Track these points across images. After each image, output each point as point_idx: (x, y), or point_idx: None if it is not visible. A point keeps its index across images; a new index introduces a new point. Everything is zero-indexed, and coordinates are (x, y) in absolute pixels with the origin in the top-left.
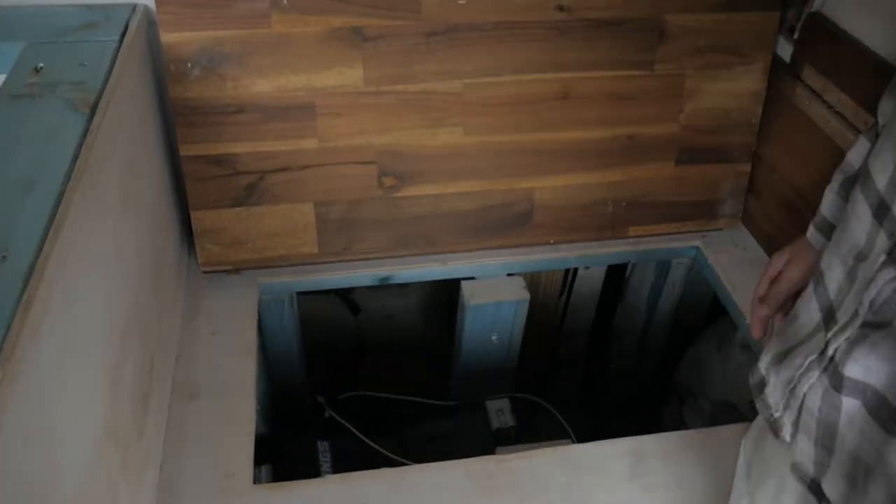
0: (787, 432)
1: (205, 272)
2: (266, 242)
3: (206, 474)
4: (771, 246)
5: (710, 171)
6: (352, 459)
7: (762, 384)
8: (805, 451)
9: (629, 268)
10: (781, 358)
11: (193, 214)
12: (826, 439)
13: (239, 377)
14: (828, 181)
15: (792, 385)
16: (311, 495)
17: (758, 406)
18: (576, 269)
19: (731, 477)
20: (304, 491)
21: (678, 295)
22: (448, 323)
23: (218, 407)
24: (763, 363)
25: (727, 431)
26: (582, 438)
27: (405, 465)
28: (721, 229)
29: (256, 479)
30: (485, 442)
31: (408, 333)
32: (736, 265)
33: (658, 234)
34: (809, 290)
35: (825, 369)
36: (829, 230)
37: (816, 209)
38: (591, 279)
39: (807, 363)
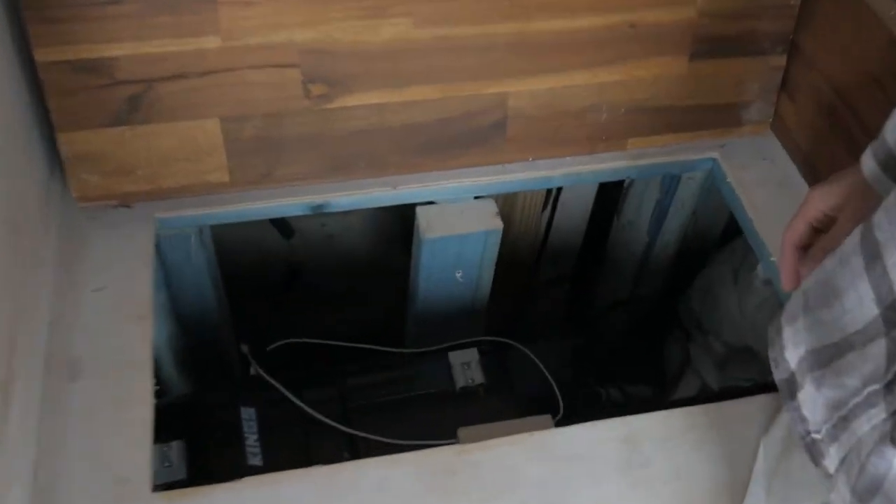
0: (830, 464)
1: (83, 209)
2: (161, 170)
3: (92, 481)
4: (807, 164)
5: (733, 66)
6: (283, 429)
7: (792, 384)
8: (842, 494)
9: (626, 182)
10: (822, 359)
11: (61, 137)
12: (865, 493)
13: (132, 347)
14: (883, 84)
15: (843, 413)
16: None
17: (787, 410)
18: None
19: (743, 468)
20: (218, 499)
21: (687, 218)
22: (406, 244)
23: (105, 389)
24: (791, 354)
25: (741, 407)
26: (566, 390)
27: (346, 433)
28: (743, 138)
29: (165, 461)
30: (447, 406)
31: (354, 259)
32: (761, 183)
33: (663, 146)
34: (858, 262)
35: (894, 412)
36: None
37: (866, 120)
38: (581, 195)
39: (865, 393)
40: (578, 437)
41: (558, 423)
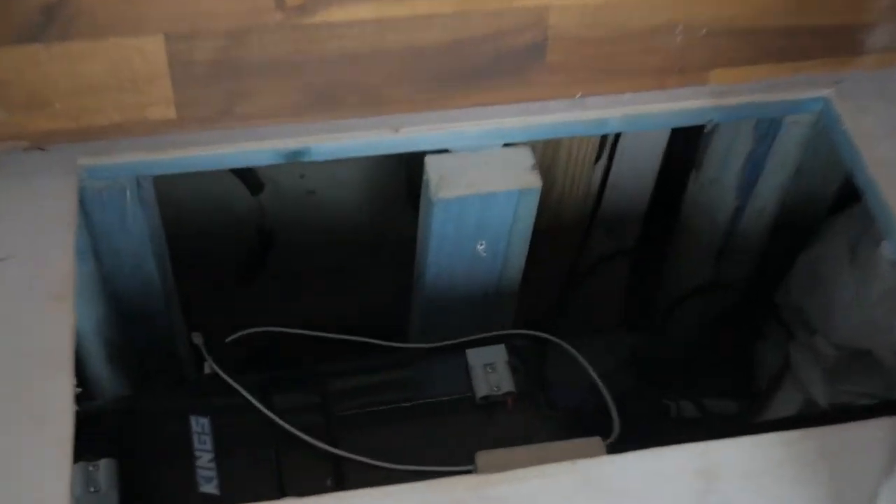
0: None
1: None
2: (86, 102)
3: None
4: None
5: None
6: (246, 447)
7: None
8: None
9: (708, 127)
10: None
11: None
12: None
13: (45, 336)
14: None
15: None
16: None
17: None
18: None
19: None
20: None
21: (788, 177)
22: (412, 205)
23: (9, 392)
24: None
25: (856, 432)
26: (623, 403)
27: (328, 453)
28: (866, 72)
29: (90, 486)
30: (462, 421)
31: (343, 224)
32: (888, 132)
33: (758, 80)
34: None
35: None
36: None
37: None
38: (646, 144)
39: None
40: (638, 469)
41: (611, 449)
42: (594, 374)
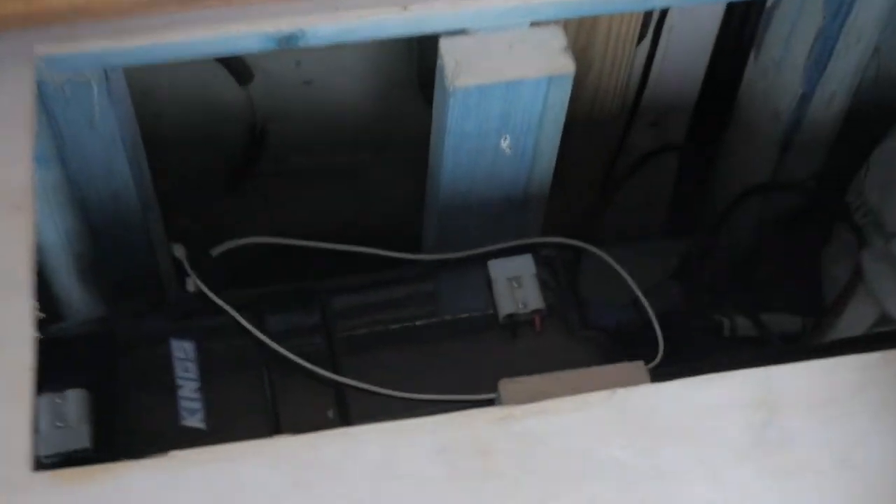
0: None
1: None
2: None
3: None
4: None
5: None
6: (236, 375)
7: None
8: None
9: (772, 1)
10: None
11: None
12: None
13: (2, 252)
14: None
15: None
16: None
17: None
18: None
19: None
20: (134, 484)
21: (865, 56)
22: (425, 95)
23: None
24: None
25: None
26: (669, 320)
27: (330, 380)
28: None
29: (57, 420)
30: (483, 343)
31: (344, 119)
32: None
33: None
34: None
35: None
36: None
37: None
38: (698, 20)
39: None
40: (686, 400)
41: (655, 375)
42: (636, 288)
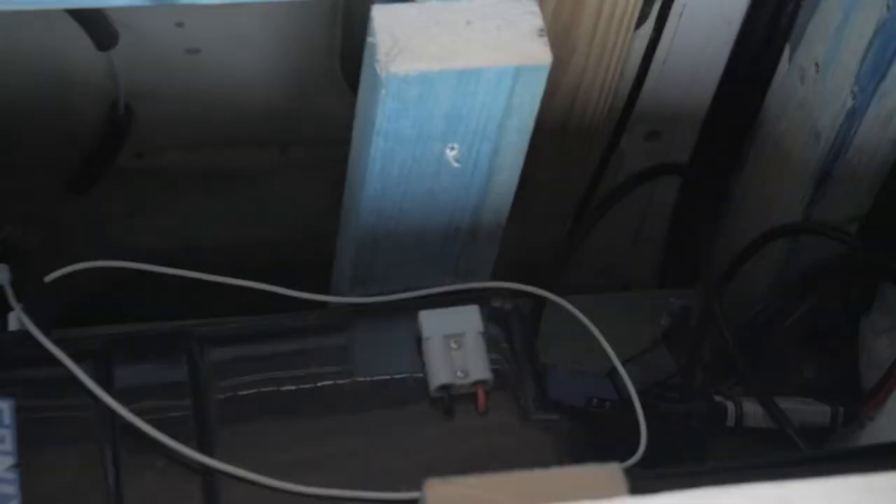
0: None
1: None
2: None
3: None
4: None
5: None
6: (67, 446)
7: None
8: None
9: None
10: None
11: None
12: None
13: None
14: None
15: None
16: None
17: None
18: None
19: None
20: None
21: None
22: (348, 78)
23: None
24: None
25: None
26: (656, 401)
27: (199, 464)
28: None
29: None
30: (407, 424)
31: (242, 103)
32: None
33: None
34: None
35: None
36: None
37: None
38: (716, 1)
39: None
40: None
41: (633, 481)
42: (613, 356)
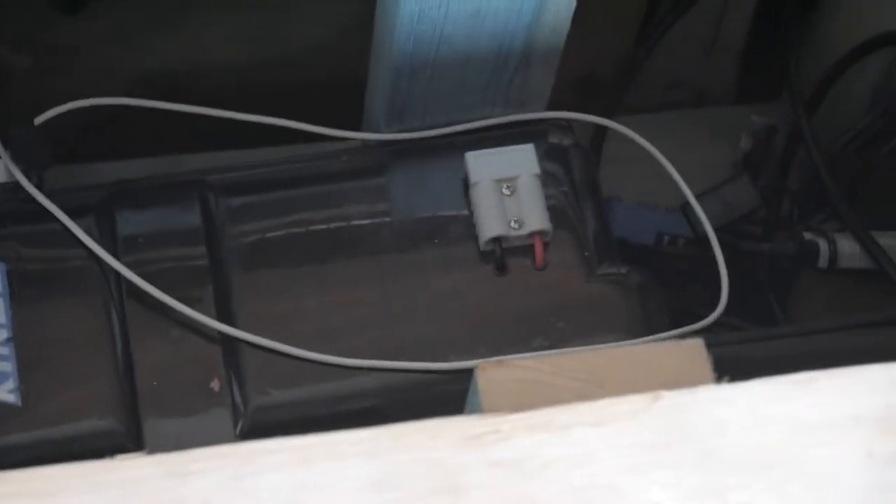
0: None
1: None
2: None
3: None
4: None
5: None
6: (68, 313)
7: None
8: None
9: None
10: None
11: None
12: None
13: None
14: None
15: None
16: None
17: None
18: None
19: None
20: None
21: None
22: None
23: None
24: None
25: None
26: (740, 250)
27: (214, 331)
28: None
29: None
30: (452, 283)
31: None
32: None
33: None
34: None
35: None
36: None
37: None
38: None
39: None
40: (770, 412)
41: (713, 343)
42: (685, 187)
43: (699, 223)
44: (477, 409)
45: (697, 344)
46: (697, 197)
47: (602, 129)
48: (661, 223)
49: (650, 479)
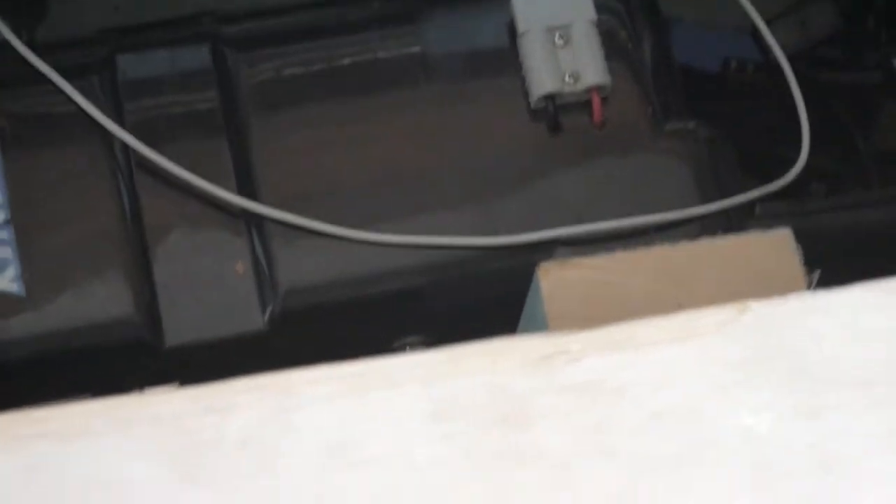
0: None
1: None
2: None
3: None
4: None
5: None
6: (73, 188)
7: None
8: None
9: None
10: None
11: None
12: None
13: None
14: None
15: None
16: None
17: None
18: None
19: None
20: None
21: None
22: None
23: None
24: None
25: None
26: (818, 86)
27: (238, 207)
28: None
29: None
30: (500, 145)
31: None
32: None
33: None
34: None
35: None
36: None
37: None
38: None
39: None
40: (871, 322)
41: (795, 204)
42: (755, 15)
43: (771, 48)
44: (539, 315)
45: (785, 235)
46: (772, 20)
47: None
48: (727, 46)
49: (738, 401)
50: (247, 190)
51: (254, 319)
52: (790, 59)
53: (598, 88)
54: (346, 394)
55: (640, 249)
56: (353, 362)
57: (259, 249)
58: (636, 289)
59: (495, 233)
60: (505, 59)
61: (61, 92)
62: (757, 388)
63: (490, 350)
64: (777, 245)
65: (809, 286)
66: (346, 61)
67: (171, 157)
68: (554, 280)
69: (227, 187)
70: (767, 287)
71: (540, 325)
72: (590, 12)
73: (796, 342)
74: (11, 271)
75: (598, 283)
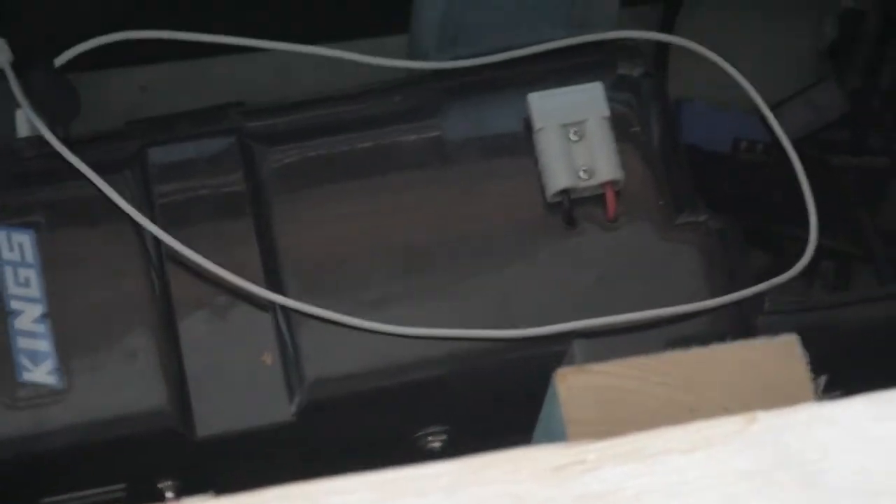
0: None
1: None
2: None
3: None
4: None
5: None
6: (107, 283)
7: None
8: None
9: None
10: None
11: None
12: None
13: None
14: None
15: None
16: None
17: None
18: None
19: None
20: None
21: None
22: None
23: None
24: None
25: None
26: (820, 176)
27: (259, 302)
28: None
29: None
30: (515, 242)
31: None
32: None
33: None
34: None
35: None
36: None
37: None
38: None
39: None
40: (865, 422)
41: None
42: (760, 101)
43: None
44: (556, 418)
45: (792, 342)
46: (780, 103)
47: (662, 52)
48: (736, 126)
49: None
50: (273, 279)
51: (282, 410)
52: (799, 142)
53: (612, 183)
54: (374, 502)
55: (652, 355)
56: (379, 472)
57: (287, 340)
58: (650, 394)
59: (513, 322)
60: (522, 153)
61: (94, 186)
62: (766, 497)
63: (510, 459)
64: (784, 351)
65: (816, 391)
66: (368, 154)
67: (200, 246)
68: (570, 385)
69: (253, 277)
70: (775, 393)
71: (557, 428)
72: (603, 109)
73: (804, 452)
74: (49, 364)
75: (613, 388)
